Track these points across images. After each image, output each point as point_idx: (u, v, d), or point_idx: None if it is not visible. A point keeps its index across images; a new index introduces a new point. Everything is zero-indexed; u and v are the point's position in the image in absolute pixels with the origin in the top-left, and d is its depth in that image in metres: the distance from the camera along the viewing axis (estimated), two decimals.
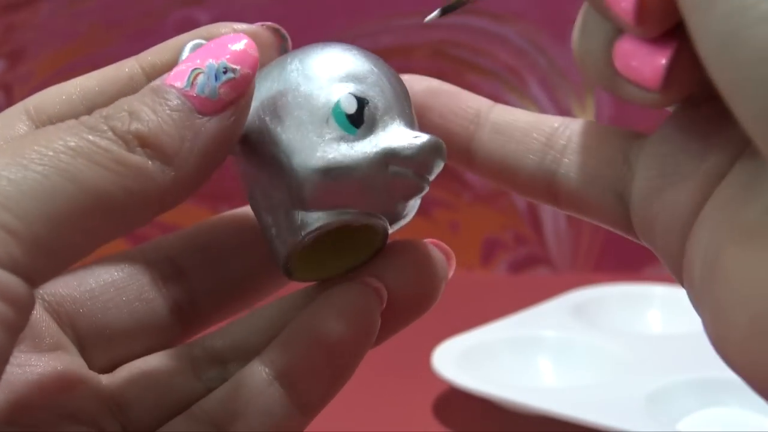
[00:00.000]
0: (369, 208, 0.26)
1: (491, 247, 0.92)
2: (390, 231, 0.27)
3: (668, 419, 0.53)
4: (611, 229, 0.26)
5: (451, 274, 0.28)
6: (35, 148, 0.22)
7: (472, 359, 0.61)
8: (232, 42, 0.25)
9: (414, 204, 0.27)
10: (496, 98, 0.28)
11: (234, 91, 0.24)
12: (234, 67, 0.24)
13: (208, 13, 0.87)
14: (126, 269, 0.29)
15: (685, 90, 0.23)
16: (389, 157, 0.25)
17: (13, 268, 0.21)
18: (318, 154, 0.25)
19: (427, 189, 0.26)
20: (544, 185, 0.27)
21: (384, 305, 0.26)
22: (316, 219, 0.25)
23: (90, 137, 0.23)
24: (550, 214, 0.91)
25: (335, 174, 0.25)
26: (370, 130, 0.25)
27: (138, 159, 0.23)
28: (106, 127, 0.23)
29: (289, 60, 0.26)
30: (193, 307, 0.29)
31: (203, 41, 0.26)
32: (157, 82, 0.25)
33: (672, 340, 0.65)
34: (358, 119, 0.25)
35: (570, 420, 0.53)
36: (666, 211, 0.24)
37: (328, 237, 0.26)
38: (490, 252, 0.92)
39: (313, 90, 0.25)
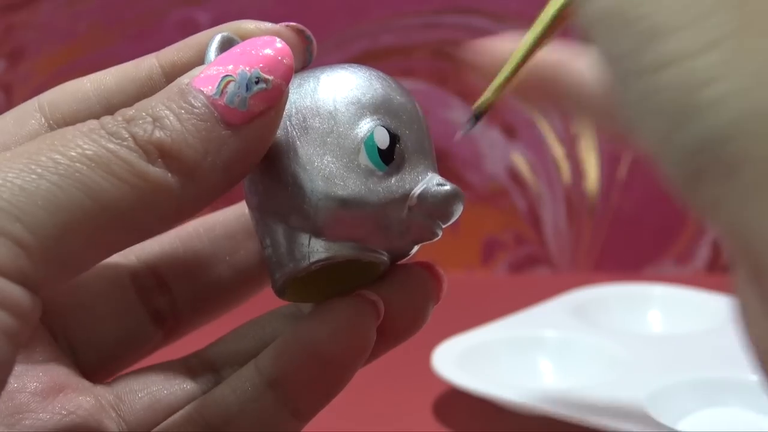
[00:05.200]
0: (378, 244, 0.25)
1: (491, 247, 0.92)
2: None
3: (668, 419, 0.53)
4: None
5: (441, 297, 0.27)
6: (51, 154, 0.21)
7: (472, 359, 0.61)
8: (266, 47, 0.24)
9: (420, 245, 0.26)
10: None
11: (264, 103, 0.23)
12: (267, 77, 0.23)
13: (208, 13, 0.87)
14: (113, 280, 0.29)
15: None
16: (412, 201, 0.25)
17: (21, 281, 0.20)
18: (342, 183, 0.24)
19: (440, 236, 0.26)
20: None
21: (380, 320, 0.26)
22: (326, 248, 0.25)
23: (109, 146, 0.22)
24: (550, 214, 0.91)
25: (355, 208, 0.24)
26: (398, 169, 0.25)
27: (157, 172, 0.22)
28: (127, 134, 0.22)
29: (324, 76, 0.25)
30: (175, 315, 0.29)
31: (233, 36, 0.25)
32: (184, 80, 0.23)
33: (672, 340, 0.65)
34: (388, 156, 0.25)
35: (570, 420, 0.53)
36: None
37: (328, 265, 0.25)
38: (490, 252, 0.92)
39: (348, 116, 0.25)
